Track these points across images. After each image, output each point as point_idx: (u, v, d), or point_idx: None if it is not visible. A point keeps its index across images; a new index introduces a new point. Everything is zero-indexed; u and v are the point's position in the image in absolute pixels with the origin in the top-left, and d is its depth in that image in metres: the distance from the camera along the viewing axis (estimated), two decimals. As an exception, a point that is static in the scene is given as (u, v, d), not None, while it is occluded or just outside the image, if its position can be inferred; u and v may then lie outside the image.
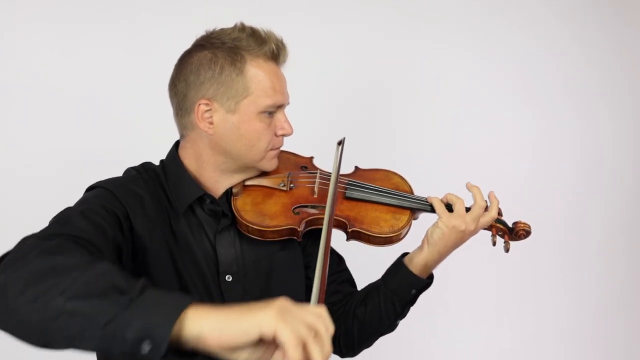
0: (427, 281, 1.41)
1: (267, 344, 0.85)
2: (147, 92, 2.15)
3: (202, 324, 0.82)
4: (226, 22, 1.39)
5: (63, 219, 1.12)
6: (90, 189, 1.28)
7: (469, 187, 1.40)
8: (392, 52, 2.49)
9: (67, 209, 1.17)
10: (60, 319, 0.83)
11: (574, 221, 2.75)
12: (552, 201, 2.70)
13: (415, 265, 1.38)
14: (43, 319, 0.84)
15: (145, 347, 0.80)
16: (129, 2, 2.16)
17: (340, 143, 1.44)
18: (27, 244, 0.99)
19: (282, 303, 0.84)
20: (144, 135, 2.14)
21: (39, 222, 2.05)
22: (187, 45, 1.37)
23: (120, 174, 1.34)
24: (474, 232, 1.37)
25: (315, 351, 0.82)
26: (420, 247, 1.39)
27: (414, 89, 2.53)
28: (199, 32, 1.36)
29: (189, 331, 0.82)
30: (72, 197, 2.08)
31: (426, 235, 1.38)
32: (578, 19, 2.72)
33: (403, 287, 1.39)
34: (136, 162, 1.39)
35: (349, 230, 1.35)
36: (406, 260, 1.41)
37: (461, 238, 1.36)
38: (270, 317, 0.82)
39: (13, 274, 0.91)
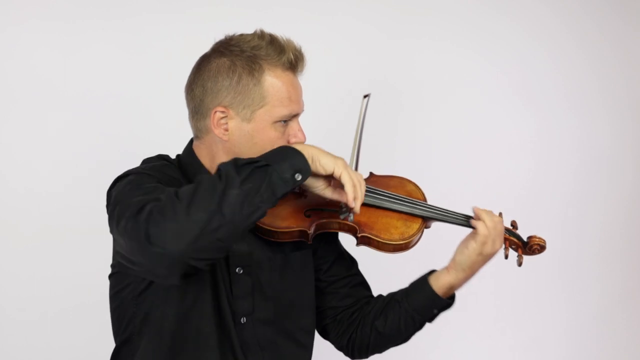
0: (449, 301, 1.41)
1: (324, 178, 1.22)
2: (146, 91, 2.16)
3: (307, 150, 1.18)
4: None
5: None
6: (122, 177, 1.26)
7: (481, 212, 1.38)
8: (392, 52, 2.49)
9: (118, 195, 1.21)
10: (245, 202, 1.10)
11: (573, 221, 2.76)
12: (551, 201, 2.70)
13: (440, 287, 1.39)
14: (234, 211, 1.09)
15: (298, 176, 1.15)
16: (129, 1, 2.16)
17: (367, 97, 1.43)
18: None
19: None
20: (144, 134, 2.15)
21: (39, 221, 2.06)
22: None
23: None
24: (498, 250, 1.38)
25: (360, 195, 1.20)
26: (448, 271, 1.38)
27: (413, 89, 2.53)
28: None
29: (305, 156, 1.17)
30: (70, 194, 2.09)
31: (454, 261, 1.37)
32: (578, 19, 2.73)
33: (426, 306, 1.40)
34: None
35: (359, 235, 1.34)
36: (431, 280, 1.40)
37: (488, 260, 1.37)
38: (341, 163, 1.19)
39: (160, 213, 1.08)
